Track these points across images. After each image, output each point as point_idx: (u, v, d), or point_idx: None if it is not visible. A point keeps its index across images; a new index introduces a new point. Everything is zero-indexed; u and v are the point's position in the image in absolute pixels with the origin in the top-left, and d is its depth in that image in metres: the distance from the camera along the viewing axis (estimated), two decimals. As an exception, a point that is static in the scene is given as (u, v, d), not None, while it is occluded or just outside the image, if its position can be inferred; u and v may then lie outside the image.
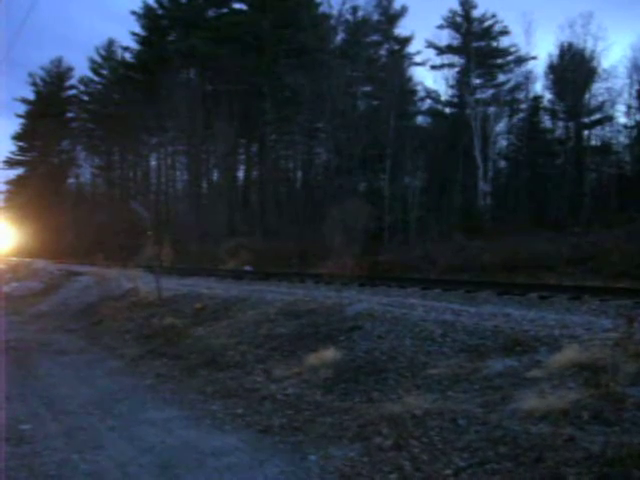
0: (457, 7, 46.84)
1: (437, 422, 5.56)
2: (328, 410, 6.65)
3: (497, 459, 4.69)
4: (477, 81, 46.19)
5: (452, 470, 4.72)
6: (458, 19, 47.07)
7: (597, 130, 44.60)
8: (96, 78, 66.62)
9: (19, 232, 44.25)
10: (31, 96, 71.37)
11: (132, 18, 55.41)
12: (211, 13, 53.12)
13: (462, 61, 46.92)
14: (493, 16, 46.49)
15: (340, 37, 49.58)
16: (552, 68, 45.10)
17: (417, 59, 50.33)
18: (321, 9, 49.16)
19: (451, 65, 48.19)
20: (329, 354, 8.19)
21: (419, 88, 50.37)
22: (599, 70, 42.21)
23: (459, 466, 4.75)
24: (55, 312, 19.05)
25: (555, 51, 45.20)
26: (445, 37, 47.31)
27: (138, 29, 55.85)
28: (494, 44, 47.57)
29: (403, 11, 48.69)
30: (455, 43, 47.22)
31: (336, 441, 5.76)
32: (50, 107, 67.80)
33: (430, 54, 49.21)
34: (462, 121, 44.30)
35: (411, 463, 4.96)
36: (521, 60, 45.17)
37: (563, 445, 4.60)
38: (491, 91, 47.02)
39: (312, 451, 5.59)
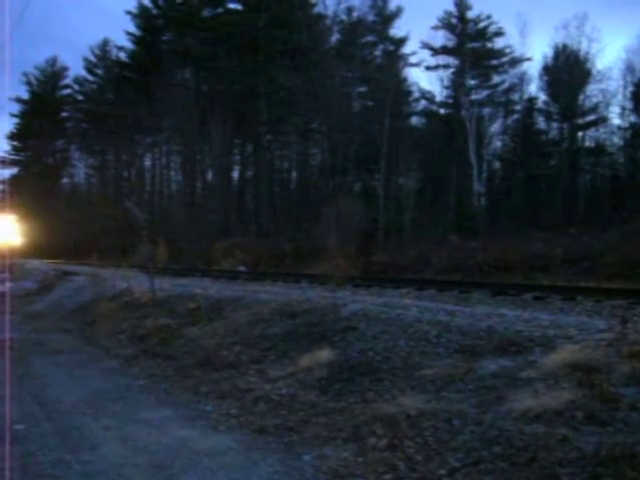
0: (452, 8, 46.99)
1: (431, 422, 5.57)
2: (322, 410, 6.65)
3: (491, 459, 4.70)
4: (472, 82, 46.32)
5: (446, 470, 4.73)
6: (453, 20, 47.17)
7: (591, 131, 44.83)
8: (91, 78, 66.58)
9: (20, 230, 43.36)
10: (25, 95, 71.30)
11: (127, 18, 55.42)
12: (206, 13, 53.08)
13: (457, 62, 46.99)
14: (488, 17, 46.63)
15: (335, 37, 49.77)
16: (547, 69, 45.25)
17: (412, 60, 50.40)
18: (316, 9, 49.29)
19: (446, 66, 48.27)
20: (323, 354, 8.19)
21: (414, 89, 50.59)
22: (593, 72, 42.53)
23: (453, 466, 4.76)
24: (49, 312, 19.01)
25: (550, 52, 45.42)
26: (440, 38, 47.42)
27: (133, 29, 55.87)
28: (489, 45, 47.69)
29: (398, 12, 48.85)
30: (450, 44, 47.32)
31: (330, 441, 5.77)
32: (44, 107, 67.66)
33: (425, 55, 49.32)
34: (457, 122, 44.38)
35: (405, 463, 4.97)
36: (516, 61, 45.34)
37: (557, 445, 4.62)
38: (486, 92, 47.23)
39: (306, 451, 5.60)
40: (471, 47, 45.83)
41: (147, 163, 61.94)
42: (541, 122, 46.81)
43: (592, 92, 42.97)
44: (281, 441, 5.96)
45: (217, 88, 48.88)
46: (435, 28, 47.41)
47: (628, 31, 62.61)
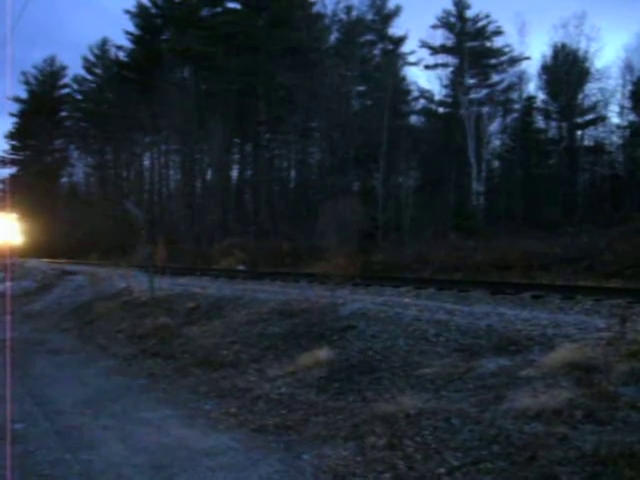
0: (451, 7, 46.99)
1: (431, 421, 5.56)
2: (322, 409, 6.65)
3: (490, 458, 4.70)
4: (471, 81, 46.31)
5: (446, 469, 4.73)
6: (452, 19, 47.18)
7: (590, 130, 44.81)
8: (90, 77, 66.50)
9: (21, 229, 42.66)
10: (24, 95, 71.20)
11: (126, 17, 55.43)
12: (205, 12, 53.13)
13: (456, 61, 47.01)
14: (487, 16, 46.66)
15: (334, 36, 49.77)
16: (545, 68, 45.25)
17: (411, 59, 50.45)
18: (315, 8, 49.29)
19: (445, 65, 48.32)
20: (323, 353, 8.19)
21: (413, 88, 50.64)
22: (592, 70, 42.54)
23: (453, 465, 4.76)
24: (49, 311, 19.00)
25: (548, 51, 45.42)
26: (439, 37, 47.44)
27: (132, 28, 55.89)
28: (488, 44, 47.73)
29: (397, 11, 48.88)
30: (449, 43, 47.33)
31: (330, 440, 5.76)
32: (43, 106, 67.50)
33: (424, 54, 49.28)
34: (456, 121, 44.37)
35: (405, 462, 4.96)
36: (515, 60, 45.35)
37: (556, 444, 4.62)
38: (485, 91, 47.25)
39: (306, 450, 5.59)
40: (470, 46, 45.82)
41: (146, 162, 61.89)
42: (540, 121, 46.83)
43: (591, 91, 43.06)
44: (280, 440, 5.96)
45: (216, 87, 48.87)
46: (434, 27, 47.49)
47: (627, 30, 62.75)
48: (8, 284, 25.17)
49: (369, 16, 48.40)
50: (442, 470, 4.73)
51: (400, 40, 49.90)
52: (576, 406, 5.17)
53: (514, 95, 46.23)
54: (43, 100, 68.75)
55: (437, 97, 49.85)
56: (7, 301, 19.19)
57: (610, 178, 41.79)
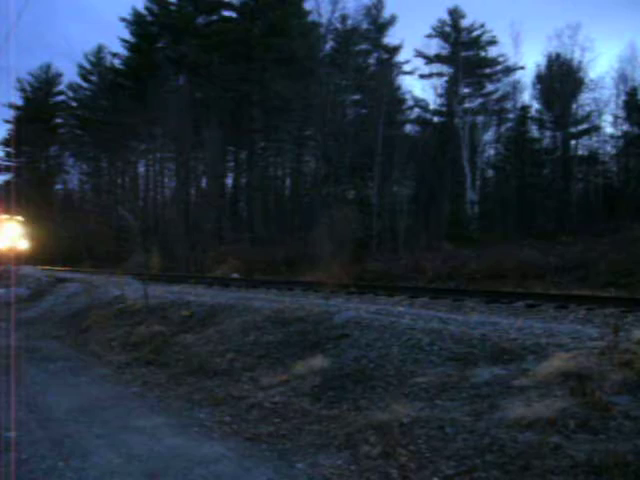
0: (446, 17, 47.32)
1: (425, 430, 5.57)
2: (315, 418, 6.65)
3: (484, 467, 4.71)
4: (465, 90, 46.59)
5: (439, 478, 4.74)
6: (447, 28, 47.51)
7: (584, 140, 45.10)
8: (85, 84, 66.45)
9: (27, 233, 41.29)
10: (19, 102, 71.15)
11: (121, 24, 55.51)
12: (201, 20, 53.24)
13: (451, 70, 47.28)
14: (482, 26, 47.04)
15: (329, 45, 49.83)
16: (540, 78, 45.54)
17: (406, 68, 50.81)
18: (310, 17, 49.41)
19: (440, 74, 48.62)
20: (317, 362, 8.18)
21: (408, 97, 50.94)
22: (586, 80, 42.82)
23: (446, 474, 4.76)
24: (42, 319, 18.92)
25: (543, 61, 45.78)
26: (434, 46, 47.81)
27: (128, 35, 55.99)
28: (482, 54, 48.08)
29: (392, 20, 49.08)
30: (444, 52, 47.65)
31: (323, 449, 5.76)
32: (38, 113, 67.44)
33: (419, 63, 49.88)
34: (450, 130, 44.56)
35: (399, 471, 4.96)
36: (509, 70, 45.67)
37: (550, 453, 4.62)
38: (479, 100, 47.54)
39: (299, 459, 5.59)
40: (465, 55, 46.11)
41: (141, 170, 61.95)
42: (534, 130, 47.08)
43: (585, 101, 43.37)
44: (274, 449, 5.95)
45: (211, 95, 48.90)
46: (429, 36, 47.86)
47: (621, 40, 63.18)
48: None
49: (364, 25, 48.62)
50: (436, 479, 4.73)
51: (395, 49, 50.21)
52: (570, 415, 5.18)
53: (508, 104, 46.58)
54: (38, 107, 68.70)
55: (432, 106, 50.25)
56: (7, 308, 19.13)
57: (604, 188, 41.98)
